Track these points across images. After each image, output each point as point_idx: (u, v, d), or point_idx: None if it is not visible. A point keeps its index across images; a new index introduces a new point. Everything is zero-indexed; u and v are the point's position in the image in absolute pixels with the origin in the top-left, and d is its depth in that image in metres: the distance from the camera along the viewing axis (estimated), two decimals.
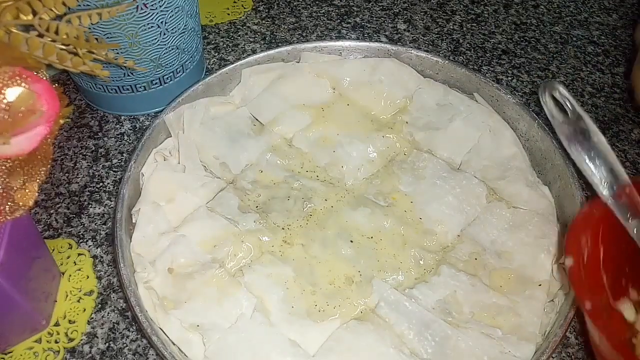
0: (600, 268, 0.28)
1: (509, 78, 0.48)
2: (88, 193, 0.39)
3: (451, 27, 0.52)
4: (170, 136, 0.38)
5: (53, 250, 0.35)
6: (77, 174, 0.40)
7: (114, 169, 0.40)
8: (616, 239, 0.28)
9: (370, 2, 0.54)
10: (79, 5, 0.32)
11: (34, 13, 0.28)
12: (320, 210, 0.35)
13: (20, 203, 0.27)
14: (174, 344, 0.29)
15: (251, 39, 0.50)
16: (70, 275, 0.34)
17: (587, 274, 0.28)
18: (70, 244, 0.36)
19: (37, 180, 0.28)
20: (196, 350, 0.29)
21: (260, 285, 0.31)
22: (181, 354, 0.29)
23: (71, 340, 0.32)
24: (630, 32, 0.52)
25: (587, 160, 0.29)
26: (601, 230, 0.29)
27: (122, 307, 0.33)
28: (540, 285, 0.32)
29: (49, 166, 0.28)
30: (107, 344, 0.32)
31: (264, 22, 0.51)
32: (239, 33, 0.50)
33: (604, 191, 0.28)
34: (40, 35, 0.28)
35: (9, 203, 0.27)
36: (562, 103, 0.30)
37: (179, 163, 0.37)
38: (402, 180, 0.36)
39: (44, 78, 0.27)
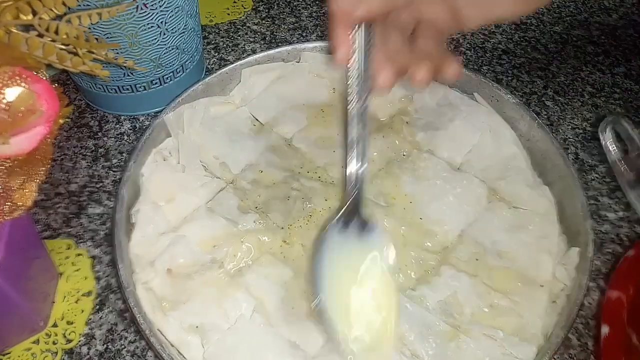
0: None
1: (509, 78, 0.47)
2: (87, 193, 0.39)
3: None
4: (170, 136, 0.38)
5: (52, 250, 0.35)
6: (77, 174, 0.40)
7: (113, 169, 0.40)
8: None
9: None
10: (79, 5, 0.32)
11: (34, 13, 0.28)
12: (320, 210, 0.35)
13: (20, 203, 0.27)
14: (172, 346, 0.29)
15: (251, 39, 0.50)
16: (68, 276, 0.34)
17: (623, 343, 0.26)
18: (69, 245, 0.36)
19: (37, 180, 0.28)
20: (195, 352, 0.29)
21: (259, 285, 0.31)
22: (180, 356, 0.29)
23: (69, 341, 0.32)
24: (630, 32, 0.52)
25: None
26: None
27: (120, 308, 0.33)
28: (542, 286, 0.32)
29: (48, 166, 0.28)
30: (105, 346, 0.32)
31: (264, 22, 0.51)
32: (239, 33, 0.50)
33: None
34: (40, 35, 0.28)
35: (8, 203, 0.27)
36: (624, 138, 0.28)
37: (178, 163, 0.37)
38: (403, 180, 0.36)
39: (44, 78, 0.27)
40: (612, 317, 0.28)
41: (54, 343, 0.32)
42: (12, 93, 0.25)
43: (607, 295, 0.29)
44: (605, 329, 0.27)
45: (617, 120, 0.28)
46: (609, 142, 0.28)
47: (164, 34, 0.37)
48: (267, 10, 0.52)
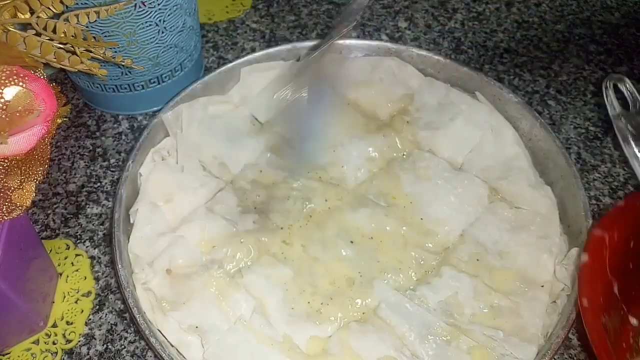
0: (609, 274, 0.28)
1: (511, 77, 0.47)
2: (85, 193, 0.38)
3: (453, 25, 0.51)
4: (169, 135, 0.38)
5: (50, 250, 0.35)
6: (75, 174, 0.39)
7: (111, 169, 0.40)
8: None
9: None
10: (77, 4, 0.32)
11: (32, 11, 0.27)
12: (320, 210, 0.34)
13: (18, 203, 0.27)
14: (172, 346, 0.29)
15: (250, 38, 0.49)
16: (67, 276, 0.34)
17: (598, 275, 0.27)
18: (67, 245, 0.36)
19: (35, 180, 0.28)
20: (195, 352, 0.29)
21: (259, 286, 0.31)
22: (180, 356, 0.29)
23: (69, 341, 0.32)
24: (632, 30, 0.52)
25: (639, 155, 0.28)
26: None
27: (120, 308, 0.33)
28: (542, 286, 0.32)
29: (46, 166, 0.28)
30: (104, 346, 0.32)
31: (263, 20, 0.51)
32: (238, 31, 0.50)
33: None
34: (38, 34, 0.28)
35: (6, 203, 0.27)
36: (627, 96, 0.30)
37: (177, 163, 0.36)
38: (403, 180, 0.36)
39: (42, 77, 0.27)
40: (593, 250, 0.28)
41: (53, 343, 0.31)
42: (10, 92, 0.25)
43: (592, 233, 0.30)
44: (584, 257, 0.28)
45: (621, 78, 0.29)
46: (612, 96, 0.30)
47: (162, 33, 0.37)
48: (266, 9, 0.52)
